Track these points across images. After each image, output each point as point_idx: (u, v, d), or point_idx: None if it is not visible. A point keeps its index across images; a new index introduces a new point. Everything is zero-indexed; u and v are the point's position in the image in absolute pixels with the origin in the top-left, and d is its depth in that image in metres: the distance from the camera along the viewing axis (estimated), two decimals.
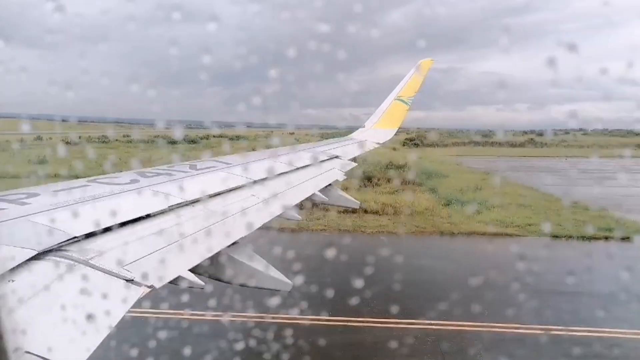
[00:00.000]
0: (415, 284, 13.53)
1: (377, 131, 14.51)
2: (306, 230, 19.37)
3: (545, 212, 22.91)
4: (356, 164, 9.97)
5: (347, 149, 10.99)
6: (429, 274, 14.61)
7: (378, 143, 13.68)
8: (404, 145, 67.82)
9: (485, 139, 70.00)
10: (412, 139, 73.72)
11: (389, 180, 29.42)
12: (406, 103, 14.92)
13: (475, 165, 42.91)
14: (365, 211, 21.97)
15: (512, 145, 67.37)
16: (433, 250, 17.90)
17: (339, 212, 21.24)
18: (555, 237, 18.93)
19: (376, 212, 22.16)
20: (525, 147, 65.46)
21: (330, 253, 14.58)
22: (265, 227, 4.50)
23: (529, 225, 20.15)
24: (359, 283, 10.91)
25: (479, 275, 13.42)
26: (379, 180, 29.47)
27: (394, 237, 19.25)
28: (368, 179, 29.31)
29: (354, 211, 21.12)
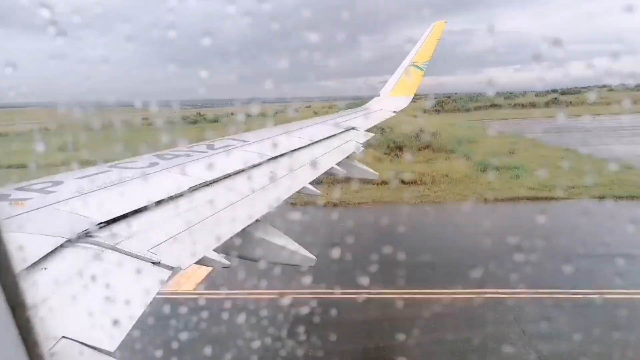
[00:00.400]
0: (505, 251, 12.05)
1: (392, 99, 14.26)
2: (348, 205, 19.18)
3: (588, 174, 21.93)
4: (373, 134, 9.87)
5: (363, 120, 10.86)
6: (512, 240, 14.10)
7: (394, 112, 13.46)
8: (425, 112, 66.59)
9: (508, 101, 67.61)
10: (433, 105, 72.37)
11: (419, 149, 28.93)
12: (421, 68, 14.57)
13: (503, 129, 41.62)
14: (402, 182, 21.86)
15: (535, 106, 64.88)
16: (492, 217, 17.32)
17: (375, 184, 20.71)
18: (602, 198, 18.34)
19: (414, 182, 21.92)
20: (549, 108, 62.96)
21: (401, 228, 14.85)
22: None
23: (573, 187, 19.50)
24: (452, 254, 11.05)
25: (559, 239, 13.44)
26: (410, 149, 28.96)
27: (440, 206, 18.98)
28: (399, 148, 28.88)
29: (387, 182, 21.35)
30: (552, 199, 18.83)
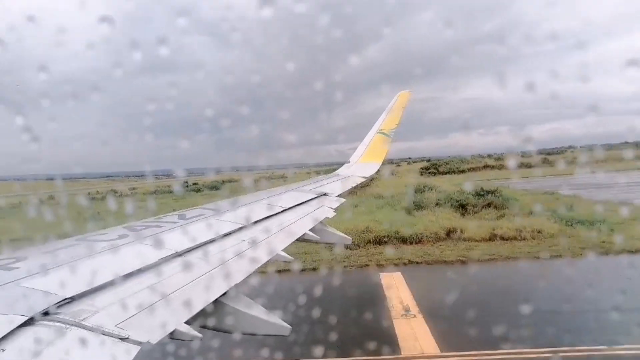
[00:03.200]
0: None
1: (362, 165, 14.66)
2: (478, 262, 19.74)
3: None
4: (345, 200, 10.02)
5: (334, 186, 11.06)
6: None
7: (364, 177, 13.80)
8: (421, 174, 67.64)
9: (499, 162, 68.38)
10: (427, 167, 74.00)
11: (483, 207, 29.14)
12: (388, 135, 15.18)
13: (526, 186, 42.38)
14: (503, 238, 22.49)
15: (528, 166, 65.20)
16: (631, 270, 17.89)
17: (479, 240, 22.60)
18: None
19: (514, 238, 22.43)
20: (540, 167, 62.76)
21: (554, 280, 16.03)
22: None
23: None
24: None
25: None
26: (474, 207, 29.15)
27: (568, 261, 19.09)
28: (463, 207, 29.20)
29: (490, 238, 22.76)
30: None
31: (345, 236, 8.24)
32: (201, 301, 3.45)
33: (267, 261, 4.77)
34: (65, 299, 2.88)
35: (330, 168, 15.56)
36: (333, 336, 12.21)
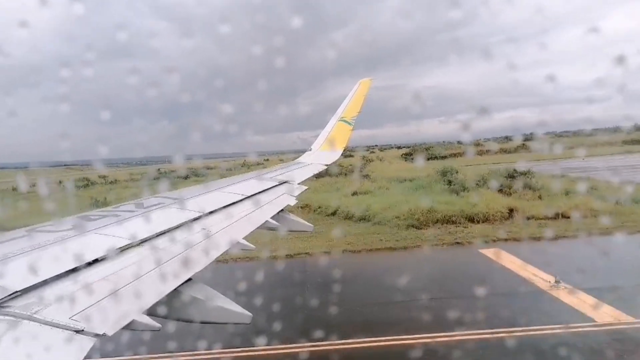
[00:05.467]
0: None
1: (323, 153, 14.72)
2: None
3: None
4: (306, 187, 10.06)
5: (295, 173, 11.07)
6: None
7: (325, 165, 13.87)
8: (405, 160, 67.72)
9: (478, 148, 68.44)
10: (409, 153, 74.28)
11: (524, 188, 29.05)
12: (349, 123, 15.27)
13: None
14: (563, 216, 22.50)
15: (507, 152, 64.63)
16: None
17: (543, 219, 22.86)
18: None
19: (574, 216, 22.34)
20: (518, 153, 61.83)
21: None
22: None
23: None
24: None
25: None
26: (509, 188, 29.03)
27: None
28: (501, 188, 29.13)
29: (554, 217, 22.86)
30: None
31: (307, 224, 8.28)
32: (160, 291, 3.42)
33: (227, 250, 4.75)
34: (16, 292, 2.78)
35: (295, 155, 15.53)
36: (506, 310, 12.47)
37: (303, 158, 14.63)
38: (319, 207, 29.68)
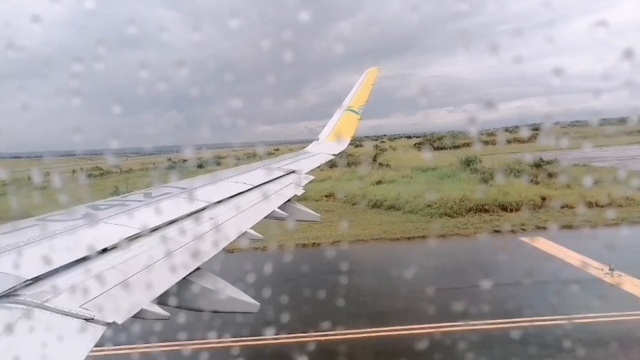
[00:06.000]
0: None
1: (331, 143, 14.68)
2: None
3: None
4: (313, 177, 10.05)
5: (303, 163, 11.06)
6: None
7: (333, 154, 13.84)
8: (418, 149, 67.27)
9: (491, 137, 67.71)
10: (421, 143, 73.84)
11: (545, 177, 28.98)
12: (357, 113, 15.19)
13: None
14: (597, 205, 22.00)
15: (520, 141, 63.72)
16: None
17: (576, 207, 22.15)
18: None
19: (608, 205, 21.90)
20: (532, 142, 62.04)
21: None
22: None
23: None
24: None
25: None
26: (535, 177, 28.87)
27: None
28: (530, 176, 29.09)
29: (588, 205, 22.28)
30: None
31: (315, 214, 8.30)
32: (169, 280, 3.44)
33: (235, 239, 4.77)
34: (27, 280, 2.82)
35: (303, 145, 15.51)
36: (572, 298, 12.60)
37: (310, 148, 14.61)
38: (345, 196, 29.57)
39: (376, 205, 27.01)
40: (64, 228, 3.94)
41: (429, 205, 24.43)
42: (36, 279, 2.88)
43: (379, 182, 32.50)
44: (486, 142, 67.50)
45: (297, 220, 8.15)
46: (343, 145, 14.77)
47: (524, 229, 20.26)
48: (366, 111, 15.28)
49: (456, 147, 68.21)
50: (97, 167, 65.48)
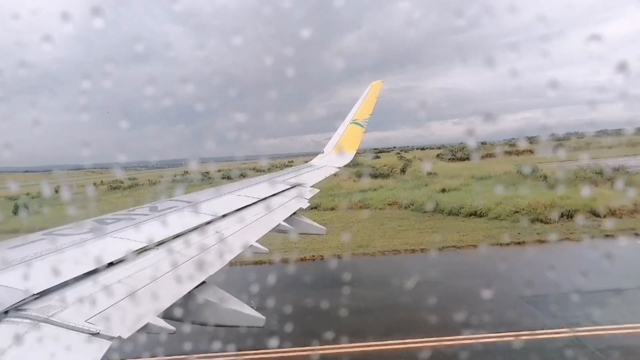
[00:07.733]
0: None
1: (335, 156, 14.71)
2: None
3: None
4: (319, 190, 10.05)
5: (308, 176, 11.08)
6: None
7: (338, 167, 13.86)
8: (442, 160, 67.19)
9: (512, 148, 67.59)
10: (444, 154, 74.13)
11: (596, 185, 28.36)
12: (362, 126, 15.23)
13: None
14: None
15: (532, 152, 62.93)
16: None
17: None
18: None
19: None
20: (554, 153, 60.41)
21: None
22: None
23: None
24: None
25: None
26: (582, 185, 28.49)
27: None
28: (595, 183, 28.42)
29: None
30: None
31: (320, 227, 8.28)
32: (174, 294, 3.44)
33: (241, 253, 4.76)
34: (33, 295, 2.82)
35: (309, 158, 15.53)
36: None
37: (315, 161, 14.64)
38: (411, 204, 28.94)
39: (452, 212, 26.19)
40: (72, 242, 3.96)
41: (516, 212, 23.87)
42: (43, 293, 2.89)
43: (443, 190, 31.70)
44: (508, 153, 67.21)
45: (302, 234, 8.12)
46: (348, 157, 14.80)
47: (636, 234, 19.54)
48: (372, 124, 15.32)
49: (489, 155, 67.76)
50: (106, 180, 65.93)
